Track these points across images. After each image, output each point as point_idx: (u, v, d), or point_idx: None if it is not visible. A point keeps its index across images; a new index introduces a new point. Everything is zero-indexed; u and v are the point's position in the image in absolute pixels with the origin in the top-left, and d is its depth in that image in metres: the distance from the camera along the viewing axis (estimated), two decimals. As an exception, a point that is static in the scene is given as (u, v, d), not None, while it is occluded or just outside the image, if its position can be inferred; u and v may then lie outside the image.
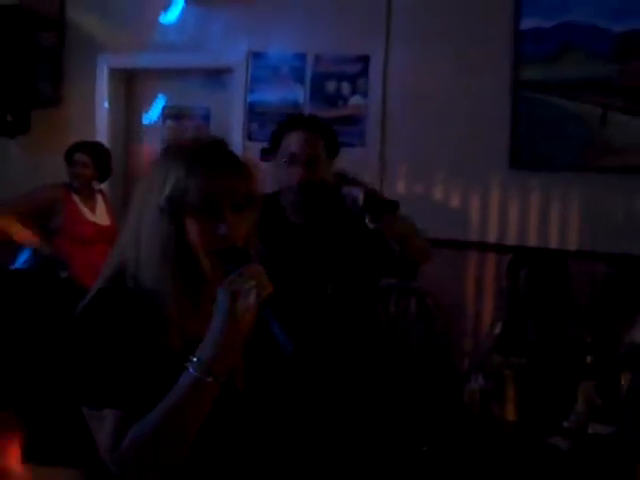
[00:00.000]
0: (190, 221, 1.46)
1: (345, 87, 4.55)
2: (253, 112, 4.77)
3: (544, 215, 4.10)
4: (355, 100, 4.53)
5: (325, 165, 2.71)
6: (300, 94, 4.65)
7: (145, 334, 1.44)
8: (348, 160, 4.38)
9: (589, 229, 4.02)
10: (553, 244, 4.06)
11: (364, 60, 4.48)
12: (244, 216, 1.49)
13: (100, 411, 1.41)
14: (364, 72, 4.49)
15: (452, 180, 4.30)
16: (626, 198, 3.95)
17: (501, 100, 4.16)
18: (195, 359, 1.38)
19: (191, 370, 1.38)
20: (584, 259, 3.91)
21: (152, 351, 1.44)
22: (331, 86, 4.58)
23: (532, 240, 4.12)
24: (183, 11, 4.89)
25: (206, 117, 5.09)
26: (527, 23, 4.15)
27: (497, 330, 3.64)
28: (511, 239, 4.18)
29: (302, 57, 4.62)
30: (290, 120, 2.78)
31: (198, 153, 1.49)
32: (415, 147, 4.37)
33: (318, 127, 2.73)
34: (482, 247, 4.23)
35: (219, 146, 1.55)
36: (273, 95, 4.72)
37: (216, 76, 5.00)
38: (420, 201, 4.35)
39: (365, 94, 4.50)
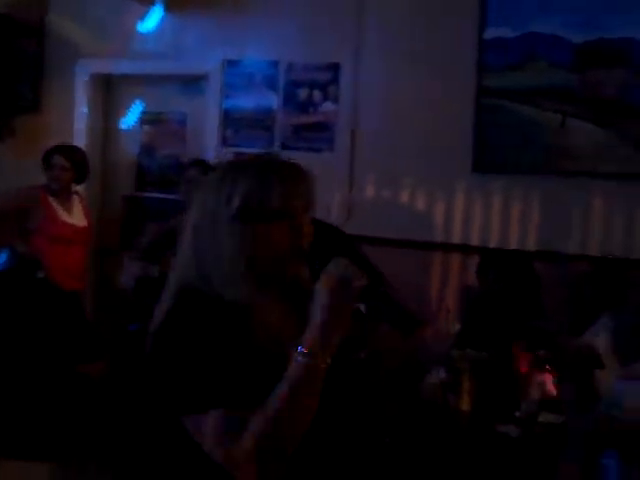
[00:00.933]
0: (268, 227, 1.53)
1: (316, 94, 4.69)
2: (228, 118, 4.90)
3: (506, 216, 4.26)
4: (326, 107, 4.67)
5: None
6: (273, 100, 4.78)
7: (232, 335, 1.50)
8: (318, 165, 4.55)
9: (548, 230, 4.17)
10: (514, 244, 4.21)
11: (335, 68, 4.62)
12: (307, 217, 1.60)
13: (202, 414, 1.45)
14: (335, 80, 4.63)
15: (418, 184, 4.44)
16: (582, 200, 4.11)
17: (465, 107, 4.31)
18: (302, 349, 1.45)
19: (301, 359, 1.44)
20: (545, 259, 4.07)
21: (241, 349, 1.49)
22: (303, 93, 4.72)
23: (494, 241, 4.26)
24: (161, 20, 5.02)
25: (182, 122, 5.22)
26: (491, 33, 4.30)
27: (456, 328, 3.78)
28: (475, 240, 4.32)
29: (275, 65, 4.76)
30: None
31: (266, 165, 1.57)
32: (383, 152, 4.51)
33: None
34: (446, 248, 4.37)
35: (279, 158, 1.63)
36: (247, 101, 4.85)
37: (192, 83, 5.13)
38: (388, 205, 4.50)
39: (336, 101, 4.64)
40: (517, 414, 3.01)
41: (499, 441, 2.83)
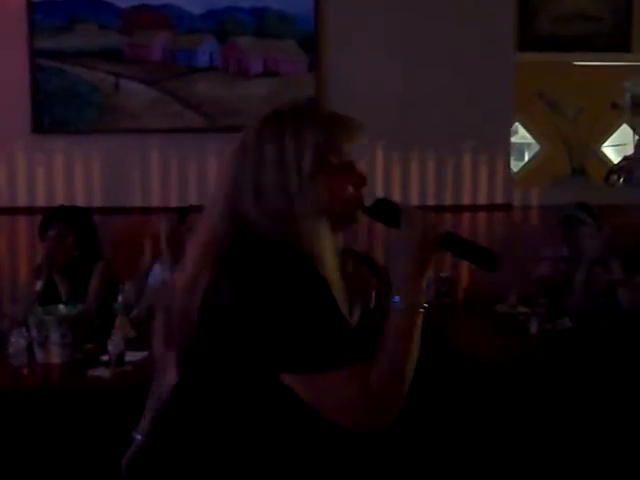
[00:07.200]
0: (333, 180, 1.51)
1: None
2: None
3: (69, 175, 4.38)
4: None
5: None
6: None
7: (322, 287, 1.45)
8: None
9: (111, 185, 4.40)
10: (79, 201, 4.34)
11: None
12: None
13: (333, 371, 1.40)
14: None
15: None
16: (141, 155, 4.39)
17: (20, 68, 4.30)
18: (401, 298, 1.46)
19: (406, 309, 1.46)
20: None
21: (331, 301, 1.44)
22: None
23: (60, 200, 4.33)
24: None
25: None
26: (38, -5, 4.31)
27: (38, 287, 3.85)
28: (40, 201, 4.39)
29: None
30: None
31: (329, 117, 1.56)
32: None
33: None
34: (12, 212, 4.39)
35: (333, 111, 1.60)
36: None
37: None
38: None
39: None
40: (104, 358, 3.21)
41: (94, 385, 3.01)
